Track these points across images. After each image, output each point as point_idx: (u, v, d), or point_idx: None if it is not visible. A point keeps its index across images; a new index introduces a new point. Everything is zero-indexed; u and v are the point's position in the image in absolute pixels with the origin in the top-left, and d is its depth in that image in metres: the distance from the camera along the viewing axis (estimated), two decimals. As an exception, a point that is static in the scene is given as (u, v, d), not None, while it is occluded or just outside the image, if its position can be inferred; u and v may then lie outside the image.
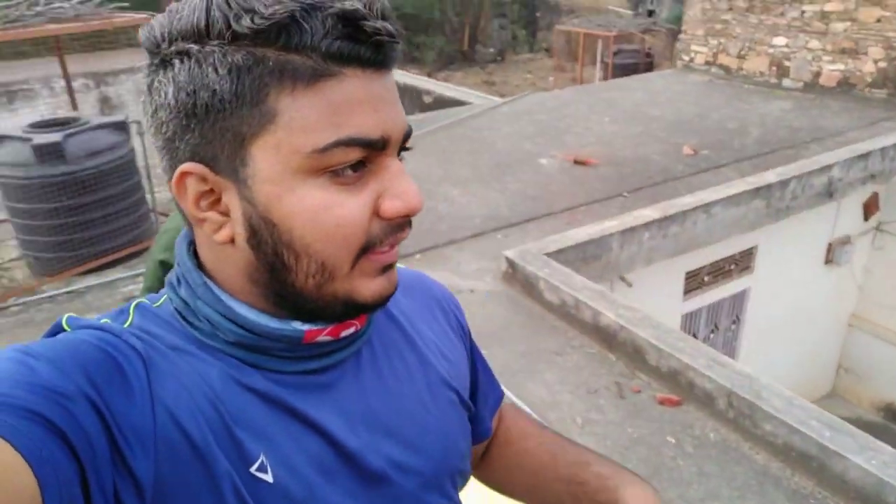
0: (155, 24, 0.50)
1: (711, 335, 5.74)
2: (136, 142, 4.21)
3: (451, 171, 5.61)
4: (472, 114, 7.32)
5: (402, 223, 0.53)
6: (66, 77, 4.79)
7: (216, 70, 0.47)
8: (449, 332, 0.74)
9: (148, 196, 4.37)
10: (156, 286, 2.60)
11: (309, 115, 0.48)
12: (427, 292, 0.75)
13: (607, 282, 4.19)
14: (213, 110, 0.48)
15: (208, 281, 0.54)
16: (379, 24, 0.48)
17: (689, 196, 4.39)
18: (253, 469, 0.50)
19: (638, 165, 5.53)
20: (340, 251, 0.51)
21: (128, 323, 0.54)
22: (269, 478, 0.51)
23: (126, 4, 4.39)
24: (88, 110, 10.86)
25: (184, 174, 0.50)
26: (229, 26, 0.46)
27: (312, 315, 0.54)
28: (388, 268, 0.55)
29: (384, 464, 0.58)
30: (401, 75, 11.10)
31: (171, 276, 0.57)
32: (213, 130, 0.48)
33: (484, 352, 2.62)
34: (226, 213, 0.51)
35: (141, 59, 0.52)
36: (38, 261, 3.98)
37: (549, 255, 3.67)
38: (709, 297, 5.48)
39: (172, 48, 0.48)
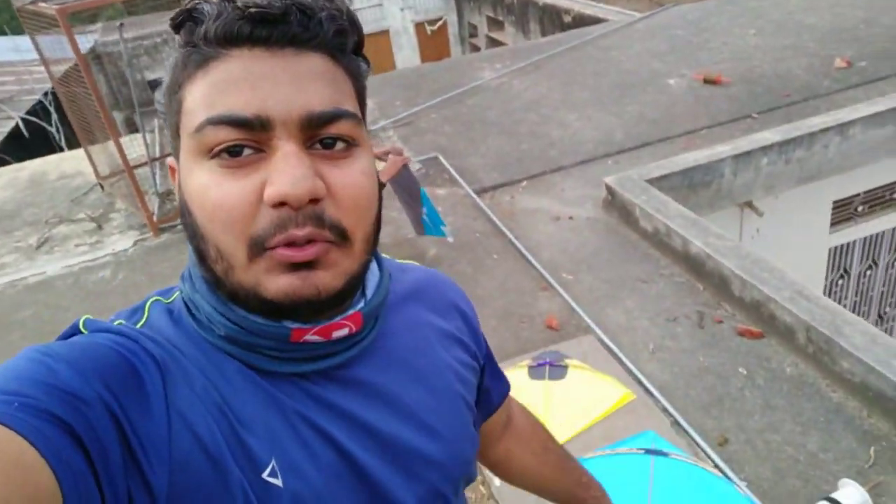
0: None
1: (868, 271, 5.28)
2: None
3: (571, 95, 5.52)
4: (604, 32, 7.01)
5: (293, 218, 0.48)
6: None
7: (166, 71, 0.54)
8: (461, 334, 0.72)
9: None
10: None
11: (195, 98, 0.49)
12: (440, 294, 0.72)
13: (723, 210, 4.02)
14: (164, 105, 0.54)
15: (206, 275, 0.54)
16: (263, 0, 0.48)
17: (822, 116, 4.00)
18: (265, 475, 0.50)
19: (775, 82, 5.06)
20: (226, 236, 0.49)
21: (142, 321, 0.54)
22: (279, 482, 0.50)
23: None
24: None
25: (171, 168, 0.56)
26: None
27: (246, 307, 0.53)
28: (302, 267, 0.50)
29: (389, 474, 0.58)
30: (541, -7, 10.75)
31: (183, 271, 0.58)
32: (168, 124, 0.54)
33: (569, 278, 2.84)
34: None
35: None
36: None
37: (651, 181, 3.61)
38: (864, 229, 5.01)
39: (172, 44, 0.54)
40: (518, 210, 3.98)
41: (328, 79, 0.51)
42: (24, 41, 8.78)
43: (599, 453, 2.16)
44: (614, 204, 3.66)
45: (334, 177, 0.51)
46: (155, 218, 4.31)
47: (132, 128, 6.65)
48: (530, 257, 3.40)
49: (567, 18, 9.48)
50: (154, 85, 4.47)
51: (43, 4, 3.94)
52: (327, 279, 0.51)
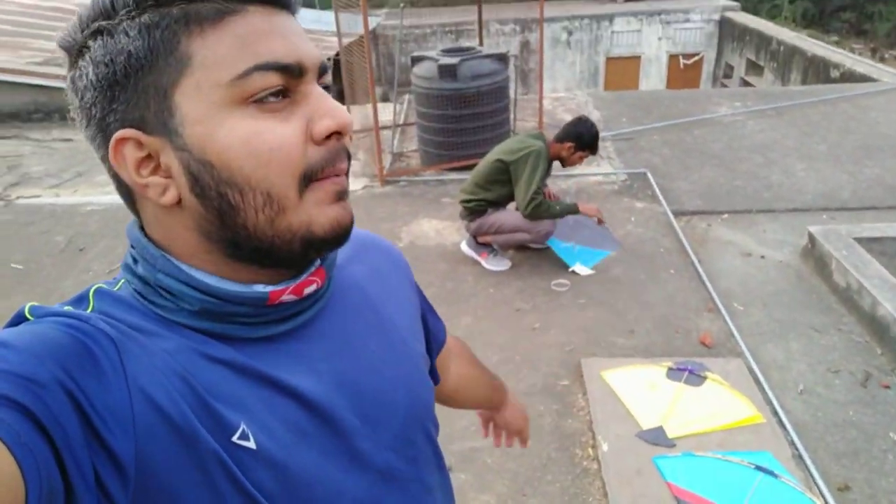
0: (68, 26, 0.52)
1: None
2: (511, 72, 5.13)
3: (806, 145, 5.27)
4: (869, 92, 6.50)
5: (339, 149, 0.54)
6: (479, 17, 5.97)
7: (127, 34, 0.49)
8: (404, 288, 0.76)
9: (511, 117, 5.30)
10: (478, 179, 3.46)
11: (220, 50, 0.49)
12: (381, 250, 0.77)
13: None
14: (131, 71, 0.49)
15: (166, 254, 0.55)
16: None
17: None
18: (235, 438, 0.51)
19: None
20: (282, 178, 0.51)
21: (89, 309, 0.53)
22: (251, 444, 0.52)
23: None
24: (513, 49, 12.64)
25: (119, 142, 0.51)
26: None
27: (271, 259, 0.55)
28: (342, 196, 0.55)
29: (356, 421, 0.60)
30: (812, 45, 10.08)
31: (126, 259, 0.57)
32: (136, 92, 0.50)
33: (739, 308, 3.03)
34: (167, 175, 0.52)
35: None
36: (426, 154, 5.25)
37: (859, 240, 3.44)
38: None
39: (85, 33, 0.50)
40: (711, 238, 4.00)
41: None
42: (325, 15, 10.41)
43: (711, 455, 2.26)
44: (812, 253, 3.55)
45: None
46: (385, 171, 5.03)
47: (384, 100, 7.67)
48: (706, 279, 3.45)
49: (835, 73, 8.81)
50: (415, 60, 5.17)
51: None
52: (350, 207, 0.56)
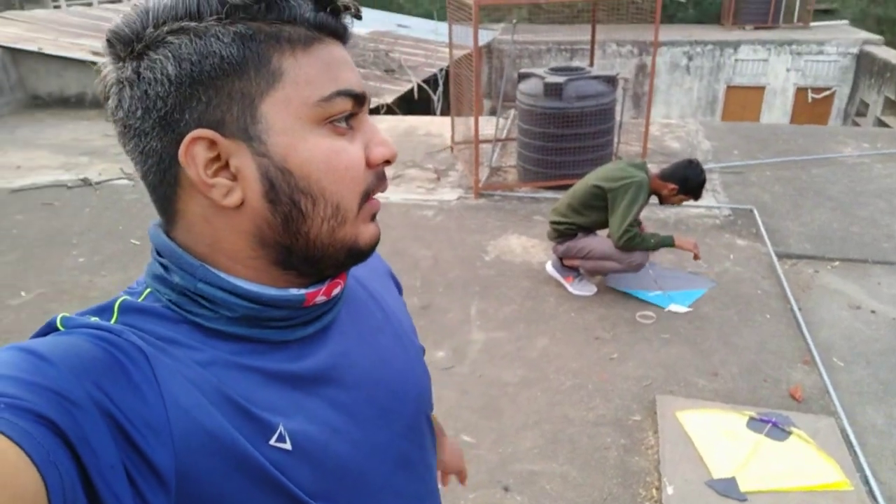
0: (124, 22, 0.52)
1: None
2: (619, 95, 5.03)
3: (940, 196, 4.81)
4: None
5: (383, 174, 0.60)
6: (592, 37, 5.90)
7: (220, 39, 0.51)
8: (394, 288, 0.84)
9: (615, 140, 5.19)
10: (572, 202, 3.42)
11: (310, 72, 0.54)
12: (378, 263, 0.83)
13: None
14: (220, 74, 0.51)
15: (204, 263, 0.56)
16: (349, 1, 0.57)
17: None
18: (272, 441, 0.53)
19: None
20: (351, 193, 0.57)
21: (112, 320, 0.54)
22: (287, 446, 0.54)
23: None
24: (627, 71, 12.39)
25: (194, 140, 0.52)
26: (224, 3, 0.51)
27: (315, 267, 0.59)
28: (375, 216, 0.61)
29: (376, 412, 0.65)
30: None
31: (152, 269, 0.58)
32: (221, 94, 0.52)
33: (839, 364, 2.90)
34: (234, 178, 0.54)
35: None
36: (524, 170, 5.24)
37: None
38: None
39: (163, 29, 0.51)
40: (816, 285, 3.74)
41: None
42: (441, 27, 10.65)
43: (784, 517, 2.11)
44: (932, 314, 3.24)
45: None
46: (480, 184, 5.06)
47: (491, 114, 7.75)
48: (805, 329, 3.23)
49: None
50: (522, 76, 5.19)
51: (467, -4, 4.90)
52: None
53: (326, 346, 0.63)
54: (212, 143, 0.53)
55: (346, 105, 0.55)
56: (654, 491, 2.30)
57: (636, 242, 3.32)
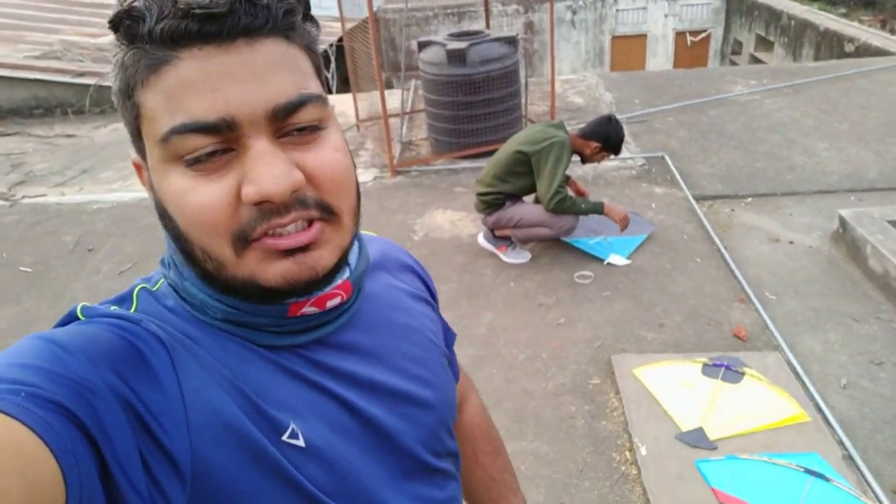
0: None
1: None
2: (520, 56, 4.97)
3: (826, 124, 5.12)
4: (888, 66, 6.32)
5: (275, 208, 0.49)
6: (486, 2, 5.79)
7: (121, 65, 0.49)
8: (420, 292, 0.76)
9: (523, 102, 5.15)
10: (496, 171, 3.32)
11: (153, 105, 0.47)
12: (397, 259, 0.76)
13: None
14: (119, 104, 0.50)
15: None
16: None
17: None
18: (285, 437, 0.52)
19: None
20: (211, 238, 0.49)
21: (132, 308, 0.54)
22: (300, 443, 0.53)
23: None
24: (516, 30, 12.41)
25: (135, 165, 0.54)
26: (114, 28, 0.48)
27: (242, 296, 0.54)
28: (300, 251, 0.51)
29: (395, 420, 0.62)
30: (825, 18, 9.86)
31: (164, 257, 0.58)
32: (125, 123, 0.51)
33: (772, 297, 2.86)
34: None
35: None
36: (437, 141, 5.12)
37: (894, 222, 3.31)
38: None
39: (115, 39, 0.50)
40: (735, 224, 3.88)
41: (287, 64, 0.49)
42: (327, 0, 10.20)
43: (757, 458, 2.16)
44: (844, 238, 3.42)
45: (310, 160, 0.50)
46: (395, 161, 4.90)
47: (388, 86, 7.53)
48: (735, 268, 3.33)
49: (849, 48, 8.61)
50: (422, 45, 5.02)
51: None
52: (324, 257, 0.52)
53: (343, 349, 0.60)
54: (139, 167, 0.53)
55: (192, 142, 0.46)
56: (627, 453, 2.30)
57: (567, 205, 3.28)
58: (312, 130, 0.51)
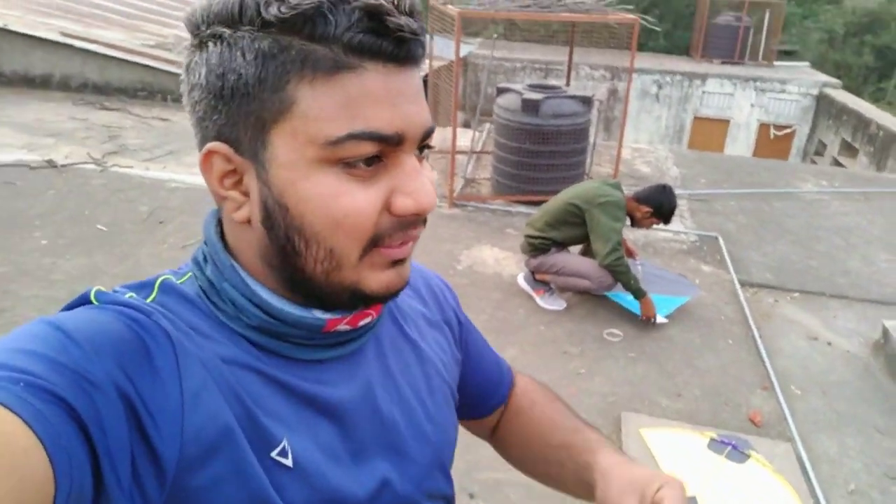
0: (196, 7, 0.51)
1: None
2: (593, 116, 5.13)
3: (892, 235, 5.05)
4: (970, 191, 6.17)
5: (414, 221, 0.53)
6: (570, 58, 6.01)
7: (244, 55, 0.48)
8: (440, 320, 0.76)
9: (587, 160, 5.28)
10: (548, 218, 3.45)
11: (325, 106, 0.48)
12: (422, 279, 0.77)
13: None
14: (238, 93, 0.49)
15: (235, 263, 0.55)
16: (403, 20, 0.48)
17: None
18: (274, 454, 0.51)
19: None
20: (348, 241, 0.51)
21: (151, 298, 0.54)
22: (289, 462, 0.52)
23: (630, 7, 5.25)
24: (599, 94, 12.62)
25: (210, 153, 0.52)
26: (259, 13, 0.47)
27: (321, 302, 0.55)
28: (399, 262, 0.55)
29: (388, 451, 0.61)
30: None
31: (197, 254, 0.58)
32: (238, 113, 0.50)
33: (797, 392, 2.89)
34: (246, 194, 0.52)
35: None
36: (498, 183, 5.28)
37: (938, 343, 3.25)
38: None
39: (208, 31, 0.49)
40: (776, 315, 3.87)
41: (423, 93, 0.54)
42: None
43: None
44: (885, 349, 3.38)
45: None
46: (455, 194, 5.09)
47: (465, 126, 7.82)
48: (765, 356, 3.33)
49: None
50: (500, 91, 5.24)
51: (451, 7, 4.95)
52: (408, 270, 0.57)
53: (348, 374, 0.60)
54: (228, 158, 0.52)
55: (363, 148, 0.49)
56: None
57: (622, 269, 3.34)
58: (422, 151, 0.55)
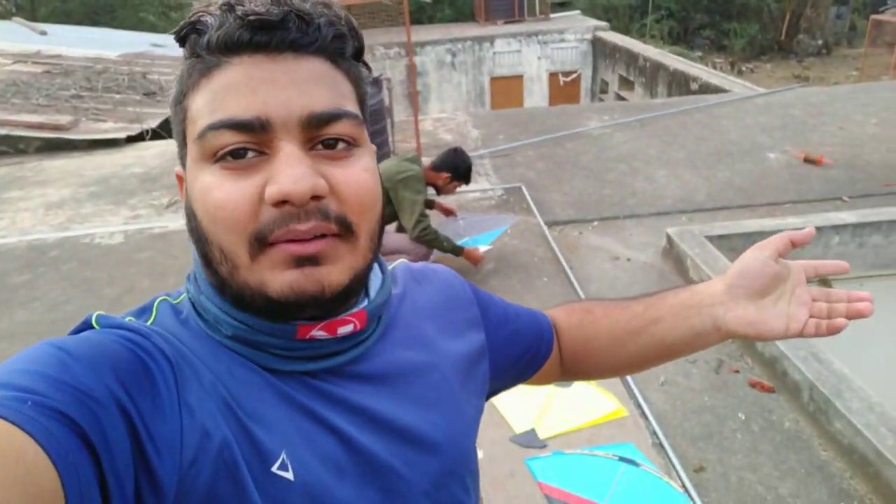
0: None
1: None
2: (385, 96, 5.20)
3: (666, 153, 5.67)
4: (720, 102, 7.09)
5: (293, 213, 0.49)
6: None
7: (175, 80, 0.53)
8: (462, 318, 0.73)
9: (390, 139, 5.36)
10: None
11: (199, 106, 0.50)
12: (436, 281, 0.74)
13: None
14: (176, 117, 0.54)
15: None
16: (256, 6, 0.49)
17: (909, 207, 3.94)
18: (274, 468, 0.50)
19: (880, 171, 4.97)
20: (229, 236, 0.50)
21: (151, 320, 0.54)
22: (290, 476, 0.50)
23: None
24: (398, 72, 12.78)
25: (178, 177, 0.56)
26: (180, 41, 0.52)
27: (252, 309, 0.53)
28: (306, 262, 0.51)
29: (396, 463, 0.58)
30: (674, 60, 10.88)
31: (189, 272, 0.58)
32: (177, 134, 0.55)
33: None
34: None
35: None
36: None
37: (710, 238, 3.73)
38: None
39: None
40: (582, 245, 4.21)
41: (328, 81, 0.52)
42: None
43: (578, 451, 2.37)
44: (671, 254, 3.81)
45: (337, 175, 0.51)
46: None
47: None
48: (576, 284, 3.62)
49: (694, 86, 9.54)
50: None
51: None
52: (333, 274, 0.52)
53: (352, 383, 0.58)
54: (181, 178, 0.56)
55: (223, 138, 0.49)
56: None
57: (430, 238, 3.45)
58: (346, 147, 0.52)
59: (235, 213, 0.50)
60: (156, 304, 0.56)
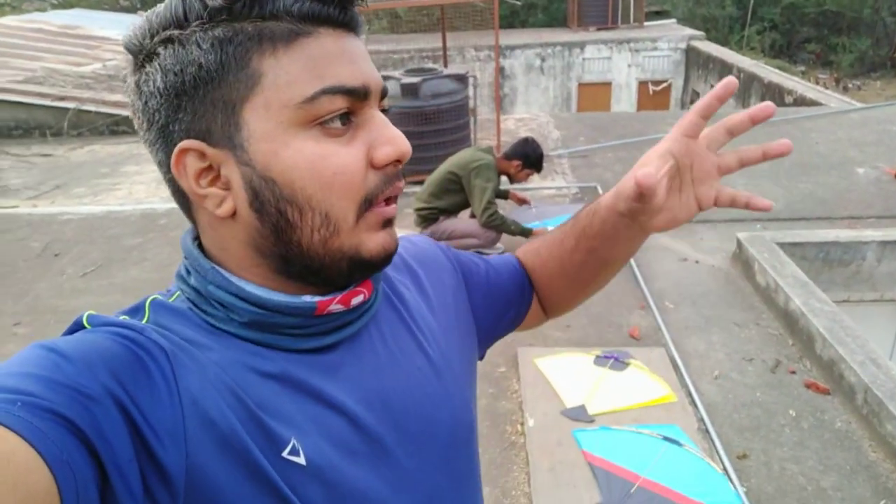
0: (135, 28, 0.52)
1: None
2: (470, 92, 5.43)
3: (748, 163, 5.61)
4: (812, 115, 6.90)
5: (396, 173, 0.55)
6: (443, 39, 6.29)
7: (199, 46, 0.49)
8: (445, 285, 0.75)
9: (471, 135, 5.58)
10: (432, 189, 3.74)
11: (292, 71, 0.50)
12: (415, 252, 0.76)
13: (858, 293, 3.96)
14: (201, 83, 0.50)
15: (216, 266, 0.55)
16: None
17: None
18: (285, 453, 0.51)
19: (976, 191, 4.74)
20: (342, 201, 0.52)
21: (144, 319, 0.53)
22: (301, 461, 0.51)
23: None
24: (488, 74, 13.03)
25: (182, 152, 0.52)
26: (206, 6, 0.49)
27: (319, 277, 0.55)
28: (389, 223, 0.56)
29: (403, 439, 0.59)
30: (769, 72, 10.58)
31: (179, 270, 0.58)
32: (205, 103, 0.50)
33: (670, 306, 3.29)
34: (226, 187, 0.52)
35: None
36: (391, 169, 5.50)
37: (781, 244, 3.73)
38: None
39: (156, 40, 0.50)
40: (652, 245, 4.28)
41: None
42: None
43: (625, 428, 2.50)
44: (739, 258, 3.84)
45: None
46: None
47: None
48: (641, 280, 3.72)
49: (788, 99, 9.27)
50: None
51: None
52: (396, 233, 0.58)
53: (353, 362, 0.59)
54: (202, 154, 0.52)
55: (336, 103, 0.51)
56: (518, 426, 2.62)
57: (498, 222, 3.67)
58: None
59: (354, 178, 0.52)
60: (148, 304, 0.55)
